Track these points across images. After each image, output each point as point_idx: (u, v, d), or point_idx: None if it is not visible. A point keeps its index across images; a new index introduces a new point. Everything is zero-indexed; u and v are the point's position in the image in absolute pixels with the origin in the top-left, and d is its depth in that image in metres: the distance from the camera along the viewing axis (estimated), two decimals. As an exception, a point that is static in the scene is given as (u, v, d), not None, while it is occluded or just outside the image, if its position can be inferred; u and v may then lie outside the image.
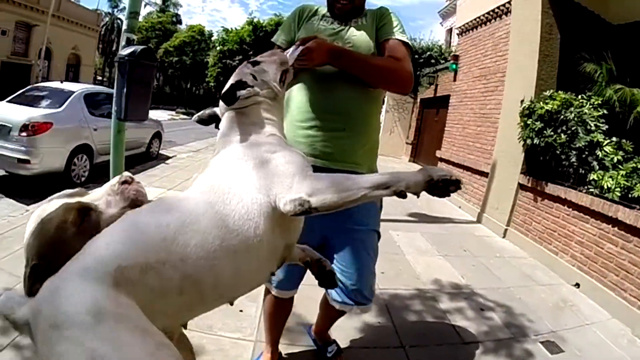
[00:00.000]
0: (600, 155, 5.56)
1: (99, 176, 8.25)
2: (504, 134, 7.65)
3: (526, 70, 7.14)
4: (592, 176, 5.49)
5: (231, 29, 35.86)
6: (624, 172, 5.25)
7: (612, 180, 5.22)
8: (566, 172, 6.04)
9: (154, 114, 12.43)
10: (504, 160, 7.61)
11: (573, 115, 5.86)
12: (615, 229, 4.86)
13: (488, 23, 9.59)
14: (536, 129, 6.24)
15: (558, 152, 5.99)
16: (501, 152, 7.74)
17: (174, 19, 54.01)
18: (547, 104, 6.16)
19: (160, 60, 40.66)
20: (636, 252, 4.51)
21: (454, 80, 11.38)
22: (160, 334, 1.14)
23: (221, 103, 1.71)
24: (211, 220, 1.31)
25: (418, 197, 1.30)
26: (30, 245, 1.36)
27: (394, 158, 17.21)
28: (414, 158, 17.46)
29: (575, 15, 7.01)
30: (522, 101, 6.78)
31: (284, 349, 3.09)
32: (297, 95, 2.32)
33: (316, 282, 2.31)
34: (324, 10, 2.49)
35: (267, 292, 2.69)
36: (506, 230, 7.21)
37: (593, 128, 5.70)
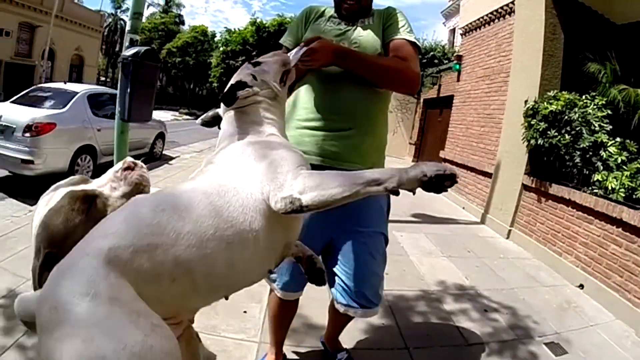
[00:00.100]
0: (604, 156, 5.54)
1: (102, 177, 8.20)
2: (508, 134, 7.63)
3: (530, 71, 7.12)
4: (596, 177, 5.48)
5: (234, 29, 35.97)
6: (628, 173, 5.23)
7: (617, 180, 5.21)
8: (570, 173, 6.02)
9: (157, 115, 12.44)
10: (507, 161, 7.59)
11: (577, 115, 5.84)
12: (620, 229, 4.84)
13: (491, 23, 9.57)
14: (540, 130, 6.22)
15: (562, 152, 5.98)
16: (505, 152, 7.72)
17: (177, 20, 54.02)
18: (551, 104, 6.14)
19: (163, 60, 40.68)
20: (640, 253, 4.50)
21: (458, 80, 11.34)
22: (155, 316, 1.15)
23: (222, 103, 1.72)
24: (205, 209, 1.32)
25: (414, 194, 1.29)
26: (39, 235, 1.40)
27: (397, 158, 17.19)
28: (417, 158, 17.41)
29: (579, 15, 6.99)
30: (525, 101, 6.76)
31: (288, 350, 3.09)
32: (304, 96, 2.32)
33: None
34: (331, 11, 2.49)
35: (272, 293, 2.68)
36: (510, 231, 7.19)
37: (597, 128, 5.68)
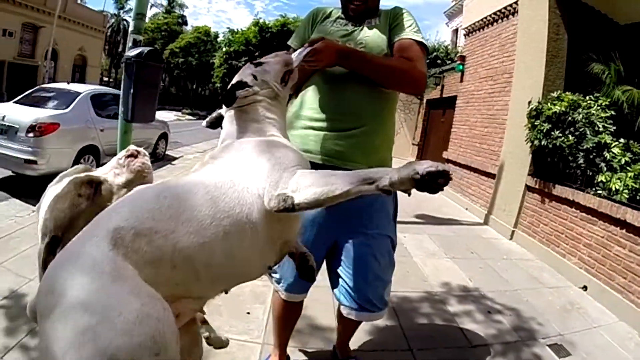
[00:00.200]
0: (608, 157, 5.52)
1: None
2: (511, 135, 7.62)
3: (533, 71, 7.11)
4: (600, 178, 5.46)
5: (237, 30, 36.01)
6: (632, 174, 5.21)
7: (620, 182, 5.19)
8: (574, 174, 6.01)
9: (160, 115, 12.46)
10: (511, 162, 7.58)
11: (581, 116, 5.83)
12: (623, 231, 4.82)
13: (495, 23, 9.55)
14: (544, 131, 6.21)
15: (566, 153, 5.96)
16: (508, 153, 7.70)
17: (180, 20, 54.08)
18: (554, 105, 6.12)
19: (166, 61, 40.73)
20: (644, 255, 4.49)
21: (461, 81, 11.34)
22: (154, 291, 1.17)
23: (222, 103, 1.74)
24: (202, 198, 1.34)
25: (409, 195, 1.27)
26: (46, 220, 1.45)
27: (400, 159, 17.15)
28: (420, 159, 17.37)
29: (583, 15, 6.98)
30: (529, 102, 6.74)
31: (292, 351, 3.08)
32: (310, 96, 2.32)
33: (327, 284, 2.31)
34: (338, 12, 2.48)
35: (276, 294, 2.67)
36: (513, 232, 7.18)
37: (601, 129, 5.67)
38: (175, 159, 12.32)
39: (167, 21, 50.80)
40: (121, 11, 48.69)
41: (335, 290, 2.52)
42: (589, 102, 6.00)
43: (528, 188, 6.97)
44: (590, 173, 5.71)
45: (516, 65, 7.97)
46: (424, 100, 17.04)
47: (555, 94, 6.37)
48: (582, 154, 5.78)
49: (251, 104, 1.71)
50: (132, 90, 3.61)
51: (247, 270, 1.50)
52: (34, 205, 5.23)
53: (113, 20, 47.21)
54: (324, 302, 3.41)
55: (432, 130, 16.43)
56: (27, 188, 7.23)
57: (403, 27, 2.28)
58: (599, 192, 5.39)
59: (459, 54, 12.62)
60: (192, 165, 1.58)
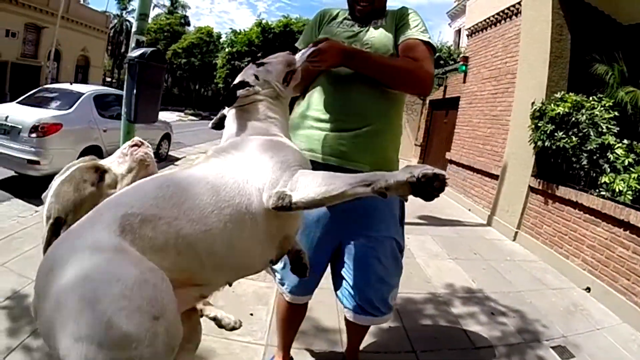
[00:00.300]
0: (611, 158, 5.51)
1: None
2: (515, 136, 7.61)
3: (537, 72, 7.10)
4: (604, 179, 5.46)
5: (240, 30, 36.03)
6: (635, 175, 5.21)
7: (624, 183, 5.18)
8: (577, 175, 6.00)
9: (162, 115, 12.44)
10: (514, 163, 7.56)
11: (584, 117, 5.82)
12: (627, 232, 4.81)
13: (498, 24, 9.53)
14: (547, 132, 6.19)
15: (569, 154, 5.95)
16: (512, 154, 7.69)
17: (182, 21, 54.17)
18: (558, 106, 6.11)
19: (169, 61, 40.81)
20: (648, 256, 4.48)
21: (464, 81, 11.30)
22: (154, 266, 1.20)
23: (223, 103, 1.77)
24: (204, 187, 1.38)
25: (406, 200, 1.28)
26: (51, 203, 1.49)
27: (402, 159, 17.10)
28: (423, 160, 17.38)
29: (586, 15, 6.97)
30: (532, 103, 6.73)
31: (295, 353, 3.07)
32: (316, 97, 2.31)
33: (331, 286, 2.30)
34: (345, 13, 2.48)
35: (280, 296, 2.67)
36: (516, 233, 7.17)
37: (604, 130, 5.65)
38: (178, 159, 12.34)
39: (170, 22, 50.87)
40: (124, 12, 48.74)
41: (337, 292, 2.51)
42: (592, 103, 5.99)
43: (531, 189, 6.96)
44: (594, 174, 5.71)
45: (519, 66, 7.95)
46: (427, 101, 17.02)
47: (558, 95, 6.37)
48: (585, 155, 5.77)
49: (252, 103, 1.73)
50: (135, 91, 3.61)
51: (248, 261, 1.51)
52: (37, 206, 5.24)
53: (116, 20, 47.27)
54: (328, 304, 3.41)
55: (435, 131, 16.40)
56: (30, 188, 7.22)
57: (409, 27, 2.25)
58: (603, 193, 5.38)
59: (461, 55, 12.61)
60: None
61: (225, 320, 2.06)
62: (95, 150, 8.27)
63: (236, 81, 1.76)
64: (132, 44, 4.02)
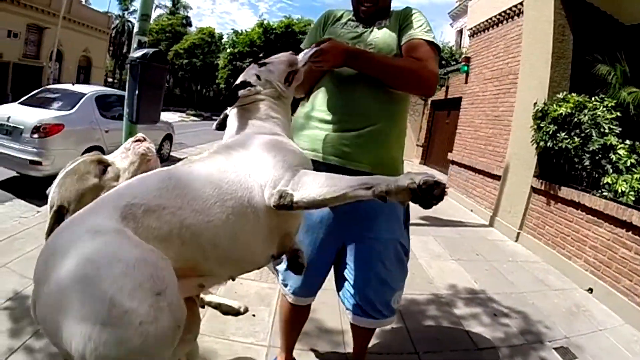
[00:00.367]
0: (614, 159, 5.49)
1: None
2: (517, 136, 7.60)
3: (539, 72, 7.09)
4: (606, 180, 5.44)
5: (241, 31, 36.06)
6: (638, 176, 5.19)
7: (626, 183, 5.17)
8: (579, 176, 5.99)
9: (164, 116, 12.42)
10: (516, 163, 7.55)
11: (587, 117, 5.80)
12: (629, 233, 4.80)
13: (500, 24, 9.53)
14: (550, 132, 6.18)
15: (571, 155, 5.94)
16: (514, 155, 7.68)
17: (184, 22, 54.21)
18: (560, 106, 6.10)
19: (171, 62, 40.83)
20: (650, 257, 4.47)
21: (466, 82, 11.31)
22: (155, 248, 1.22)
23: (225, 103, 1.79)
24: (206, 180, 1.41)
25: (403, 205, 1.30)
26: (55, 192, 1.53)
27: (404, 160, 17.21)
28: (425, 160, 17.40)
29: (588, 16, 6.96)
30: (535, 104, 6.72)
31: (298, 354, 3.07)
32: (320, 98, 2.31)
33: (334, 287, 2.30)
34: (349, 14, 2.47)
35: (283, 298, 2.66)
36: (519, 234, 7.16)
37: (607, 131, 5.63)
38: (179, 160, 12.24)
39: (172, 22, 50.90)
40: (125, 12, 48.82)
41: (340, 293, 2.51)
42: (594, 103, 5.97)
43: (533, 190, 6.95)
44: (596, 175, 5.69)
45: (521, 66, 7.94)
46: (429, 102, 17.03)
47: (560, 95, 6.35)
48: (587, 155, 5.76)
49: (254, 103, 1.75)
50: (137, 92, 3.61)
51: (251, 255, 1.52)
52: (39, 206, 5.24)
53: (117, 21, 47.31)
54: (331, 305, 3.41)
55: (437, 131, 16.43)
56: (32, 189, 7.22)
57: (413, 27, 2.23)
58: (605, 194, 5.37)
59: (463, 55, 12.59)
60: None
61: (229, 307, 2.06)
62: (97, 151, 8.26)
63: (238, 81, 1.77)
64: (134, 44, 4.02)
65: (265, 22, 34.40)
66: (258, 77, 1.79)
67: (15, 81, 25.66)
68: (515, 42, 8.57)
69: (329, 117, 2.24)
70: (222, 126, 1.88)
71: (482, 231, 7.82)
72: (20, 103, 8.23)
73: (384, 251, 2.33)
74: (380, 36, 2.26)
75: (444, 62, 17.40)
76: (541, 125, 6.41)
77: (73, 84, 9.67)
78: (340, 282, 2.48)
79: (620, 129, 5.68)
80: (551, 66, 6.79)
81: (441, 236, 6.81)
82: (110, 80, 46.00)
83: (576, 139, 5.85)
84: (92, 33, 33.29)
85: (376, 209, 2.24)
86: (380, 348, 3.39)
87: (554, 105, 6.26)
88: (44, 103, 8.18)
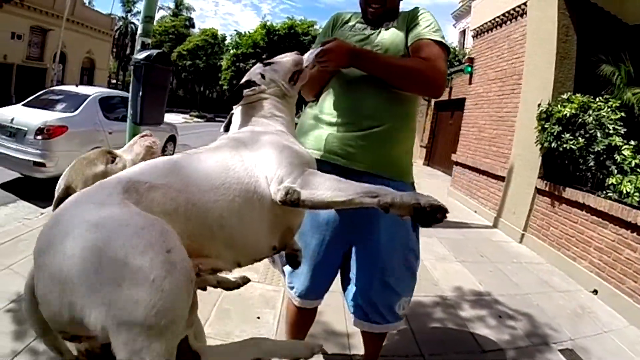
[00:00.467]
0: (618, 160, 5.47)
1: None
2: (521, 137, 7.58)
3: (543, 73, 7.07)
4: (611, 180, 5.42)
5: (244, 32, 36.17)
6: (642, 177, 5.18)
7: (631, 184, 5.15)
8: (584, 177, 5.98)
9: (167, 117, 12.45)
10: (521, 164, 7.53)
11: (591, 118, 5.79)
12: (634, 234, 4.78)
13: (504, 25, 9.50)
14: (554, 133, 6.17)
15: (576, 156, 5.93)
16: (518, 155, 7.66)
17: (187, 23, 54.41)
18: (565, 107, 6.09)
19: (174, 63, 40.92)
20: (656, 259, 4.45)
21: (469, 83, 11.29)
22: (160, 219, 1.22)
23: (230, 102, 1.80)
24: (213, 165, 1.43)
25: (401, 217, 1.30)
26: (64, 175, 1.56)
27: (408, 161, 17.21)
28: (428, 161, 17.40)
29: (592, 16, 6.94)
30: (539, 104, 6.71)
31: (303, 357, 3.05)
32: (327, 99, 2.30)
33: (341, 289, 2.40)
34: (357, 17, 2.46)
35: (288, 301, 2.65)
36: (523, 235, 7.14)
37: (611, 131, 5.62)
38: (183, 161, 12.33)
39: (175, 24, 51.10)
40: (128, 14, 49.03)
41: (344, 295, 2.50)
42: (599, 103, 5.96)
43: (538, 191, 6.93)
44: (601, 176, 5.68)
45: (525, 67, 7.92)
46: (432, 103, 17.02)
47: (565, 96, 6.34)
48: (592, 156, 5.74)
49: (258, 101, 1.77)
50: (140, 93, 3.60)
51: (256, 241, 1.51)
52: (43, 208, 5.25)
53: (121, 23, 47.48)
54: (337, 308, 3.40)
55: (440, 132, 16.42)
56: (36, 190, 7.23)
57: (420, 28, 2.20)
58: (610, 195, 5.35)
59: (467, 56, 12.57)
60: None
61: (227, 282, 2.06)
62: (101, 153, 8.28)
63: (243, 80, 1.79)
64: (138, 46, 4.02)
65: (268, 23, 34.58)
66: (263, 76, 1.80)
67: (19, 83, 25.74)
68: (519, 43, 8.55)
69: (335, 118, 2.23)
70: (229, 127, 1.88)
71: (486, 232, 7.81)
72: (24, 105, 8.23)
73: (390, 255, 2.30)
74: (387, 37, 2.24)
75: (447, 62, 17.42)
76: (545, 126, 6.39)
77: (77, 86, 9.69)
78: (345, 284, 2.47)
79: (625, 130, 5.66)
80: (555, 67, 6.77)
81: (445, 238, 6.78)
82: (113, 81, 46.20)
83: (581, 140, 5.83)
84: (95, 35, 33.40)
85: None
86: (385, 350, 3.35)
87: (559, 105, 6.25)
88: (47, 105, 8.18)
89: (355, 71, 2.10)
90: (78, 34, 30.70)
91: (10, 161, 7.17)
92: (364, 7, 2.37)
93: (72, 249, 1.06)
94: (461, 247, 6.46)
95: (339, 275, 2.53)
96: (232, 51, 37.78)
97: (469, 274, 5.35)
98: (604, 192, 5.49)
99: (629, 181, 5.20)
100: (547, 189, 6.59)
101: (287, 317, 2.77)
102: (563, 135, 6.04)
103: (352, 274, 2.39)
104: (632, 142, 5.52)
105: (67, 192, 1.50)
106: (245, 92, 1.73)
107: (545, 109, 6.50)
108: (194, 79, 49.03)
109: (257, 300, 3.92)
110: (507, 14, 9.22)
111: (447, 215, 1.27)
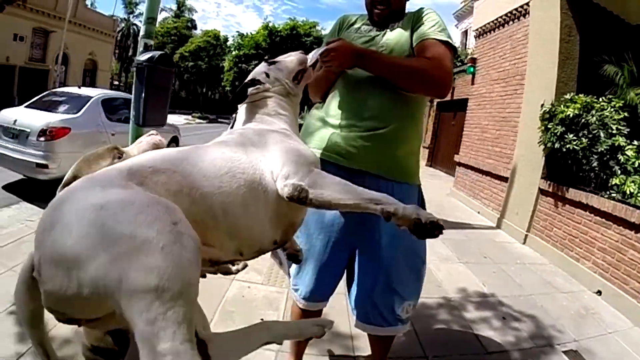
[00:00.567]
0: (622, 160, 5.46)
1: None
2: (524, 138, 7.57)
3: (546, 73, 7.07)
4: (614, 181, 5.41)
5: (247, 33, 36.21)
6: (646, 177, 5.17)
7: (635, 185, 5.14)
8: (587, 177, 5.96)
9: (170, 119, 12.44)
10: (524, 165, 7.53)
11: (594, 118, 5.77)
12: (638, 235, 4.77)
13: (506, 25, 9.48)
14: (557, 133, 6.16)
15: (579, 156, 5.91)
16: (521, 156, 7.65)
17: (189, 24, 54.49)
18: (568, 107, 6.08)
19: (176, 65, 40.98)
20: (659, 259, 4.44)
21: (472, 83, 11.27)
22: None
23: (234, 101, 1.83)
24: (219, 156, 1.46)
25: (399, 227, 1.34)
26: (73, 166, 1.56)
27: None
28: (431, 162, 17.39)
29: (595, 16, 6.93)
30: (542, 105, 6.69)
31: (308, 358, 3.05)
32: (333, 101, 2.31)
33: (345, 290, 2.41)
34: (364, 19, 2.46)
35: (293, 303, 2.64)
36: (526, 236, 7.12)
37: (614, 131, 5.60)
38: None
39: (177, 25, 51.16)
40: (131, 16, 49.11)
41: (348, 296, 2.49)
42: (602, 104, 5.94)
43: (541, 191, 6.92)
44: (604, 176, 5.67)
45: (528, 67, 7.91)
46: (434, 103, 17.02)
47: (568, 96, 6.33)
48: (595, 156, 5.73)
49: (262, 99, 1.80)
50: (143, 95, 3.60)
51: (259, 232, 1.52)
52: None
53: (123, 24, 47.54)
54: (342, 309, 3.38)
55: (443, 133, 16.41)
56: (39, 192, 7.21)
57: (426, 28, 2.18)
58: (613, 195, 5.34)
59: (469, 56, 12.55)
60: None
61: (227, 267, 2.06)
62: (103, 154, 8.27)
63: (248, 79, 1.82)
64: (140, 47, 4.01)
65: (270, 24, 34.63)
66: (267, 75, 1.83)
67: (22, 84, 25.75)
68: (522, 43, 8.54)
69: (339, 118, 2.23)
70: (234, 127, 1.89)
71: (489, 233, 7.79)
72: (26, 106, 8.22)
73: (393, 258, 2.29)
74: (393, 37, 2.23)
75: (453, 62, 17.44)
76: (549, 126, 6.38)
77: (79, 87, 9.69)
78: (349, 286, 2.46)
79: (628, 130, 5.65)
80: (558, 67, 6.76)
81: (449, 239, 6.75)
82: (116, 83, 46.25)
83: (584, 140, 5.82)
84: (97, 36, 33.40)
85: None
86: (389, 352, 3.37)
87: (562, 106, 6.24)
88: (50, 106, 8.18)
89: (361, 72, 2.10)
90: (80, 36, 30.71)
91: (13, 163, 7.18)
92: (369, 8, 2.36)
93: (78, 228, 1.06)
94: (464, 248, 6.45)
95: (344, 277, 2.52)
96: (234, 52, 37.82)
97: (473, 275, 5.34)
98: (608, 192, 5.48)
99: (633, 181, 5.20)
100: (550, 189, 6.58)
101: (291, 320, 2.76)
102: (566, 136, 6.03)
103: (357, 276, 2.37)
104: (636, 142, 5.51)
105: (74, 179, 1.50)
106: (250, 90, 1.76)
107: (548, 110, 6.49)
108: (196, 80, 49.13)
109: (261, 302, 3.92)
110: (509, 14, 9.22)
111: (443, 232, 1.35)
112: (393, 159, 2.23)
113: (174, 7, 55.40)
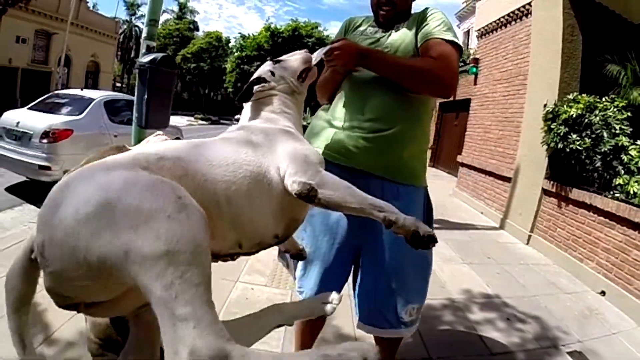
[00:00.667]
0: (625, 160, 5.44)
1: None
2: (527, 138, 7.56)
3: (548, 73, 7.05)
4: (618, 181, 5.39)
5: (248, 35, 36.23)
6: (650, 177, 5.15)
7: (638, 185, 5.12)
8: (591, 177, 5.95)
9: (172, 120, 12.45)
10: (527, 165, 7.51)
11: (598, 118, 5.76)
12: (642, 235, 4.75)
13: (508, 25, 9.47)
14: (560, 134, 6.14)
15: (582, 156, 5.90)
16: (524, 156, 7.63)
17: (191, 26, 54.59)
18: (571, 107, 6.06)
19: (178, 66, 41.03)
20: (663, 259, 4.43)
21: (475, 83, 11.26)
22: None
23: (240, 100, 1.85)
24: (225, 147, 1.47)
25: (396, 234, 1.43)
26: (79, 164, 1.52)
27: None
28: (434, 163, 17.34)
29: (597, 15, 6.92)
30: (545, 105, 6.68)
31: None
32: (339, 102, 2.31)
33: (350, 292, 2.42)
34: (369, 21, 2.46)
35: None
36: (530, 236, 7.10)
37: (618, 131, 5.59)
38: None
39: (179, 27, 51.26)
40: (133, 17, 49.18)
41: (354, 297, 2.48)
42: (605, 103, 5.93)
43: (544, 192, 6.90)
44: (608, 176, 5.65)
45: (531, 67, 7.90)
46: (437, 104, 16.99)
47: (571, 96, 6.32)
48: (599, 156, 5.71)
49: (268, 97, 1.81)
50: (145, 97, 3.61)
51: (262, 226, 1.51)
52: (48, 212, 5.23)
53: (125, 26, 47.65)
54: (345, 311, 3.37)
55: (445, 133, 16.39)
56: (41, 194, 7.10)
57: (430, 27, 2.16)
58: (617, 195, 5.32)
59: (472, 57, 12.53)
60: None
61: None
62: (106, 156, 8.28)
63: (253, 77, 1.83)
64: (142, 49, 4.02)
65: (272, 25, 34.64)
66: (272, 73, 1.84)
67: (24, 86, 25.84)
68: (524, 43, 8.52)
69: (344, 120, 2.23)
70: None
71: (492, 234, 7.77)
72: (29, 108, 8.23)
73: (397, 260, 2.26)
74: (397, 38, 2.22)
75: (459, 62, 17.46)
76: (552, 126, 6.37)
77: (82, 89, 9.69)
78: (354, 286, 2.45)
79: (631, 130, 5.63)
80: (561, 67, 6.75)
81: (452, 239, 6.76)
82: (118, 85, 46.27)
83: (587, 140, 5.81)
84: (100, 38, 33.51)
85: None
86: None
87: (565, 106, 6.23)
88: (52, 108, 8.19)
89: (366, 73, 2.11)
90: (82, 38, 30.83)
91: (15, 165, 7.20)
92: (375, 10, 2.36)
93: (84, 207, 1.06)
94: (467, 249, 6.44)
95: (349, 280, 2.50)
96: (236, 54, 37.85)
97: (476, 275, 5.33)
98: (611, 192, 5.47)
99: (636, 181, 5.17)
100: (553, 189, 6.57)
101: (296, 323, 2.74)
102: (569, 136, 6.02)
103: (361, 277, 2.36)
104: (639, 142, 5.49)
105: None
106: (256, 88, 1.78)
107: (551, 110, 6.47)
108: (198, 82, 49.19)
109: (264, 303, 3.86)
110: (511, 14, 9.21)
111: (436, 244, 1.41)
112: (398, 161, 2.21)
113: (176, 8, 55.64)
